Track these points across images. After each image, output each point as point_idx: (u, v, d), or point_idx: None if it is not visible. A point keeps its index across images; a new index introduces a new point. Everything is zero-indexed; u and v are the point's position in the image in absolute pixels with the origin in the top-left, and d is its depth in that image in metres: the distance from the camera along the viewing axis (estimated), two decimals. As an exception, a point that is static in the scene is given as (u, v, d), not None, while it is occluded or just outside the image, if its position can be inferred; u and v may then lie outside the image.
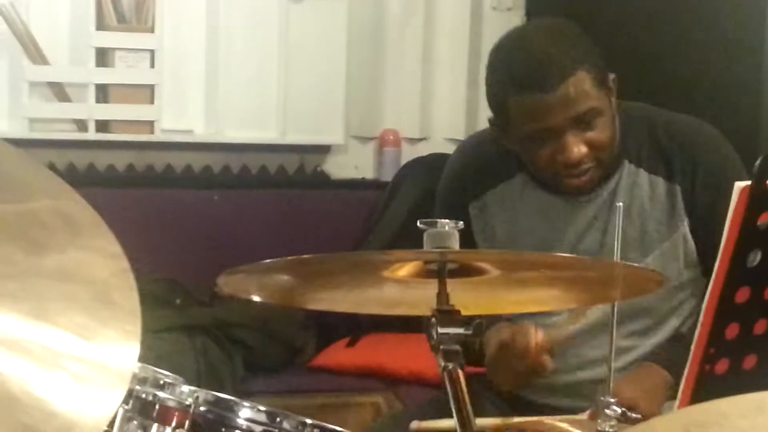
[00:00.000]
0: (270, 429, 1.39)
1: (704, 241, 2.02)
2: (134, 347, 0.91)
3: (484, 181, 2.16)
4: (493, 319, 2.11)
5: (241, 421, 1.40)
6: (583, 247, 2.08)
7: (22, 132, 3.74)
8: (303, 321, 3.52)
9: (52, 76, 3.78)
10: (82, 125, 3.81)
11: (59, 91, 3.79)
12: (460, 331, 1.32)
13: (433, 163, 3.72)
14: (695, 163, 2.04)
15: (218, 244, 3.67)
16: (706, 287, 2.00)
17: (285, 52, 3.93)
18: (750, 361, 1.37)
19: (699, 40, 3.22)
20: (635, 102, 2.14)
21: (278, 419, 1.40)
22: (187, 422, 1.40)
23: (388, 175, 4.01)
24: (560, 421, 1.83)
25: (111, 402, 0.88)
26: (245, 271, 1.37)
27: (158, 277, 3.43)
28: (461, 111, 4.12)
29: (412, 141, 4.14)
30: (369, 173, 4.14)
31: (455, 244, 1.36)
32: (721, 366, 1.35)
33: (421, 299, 1.37)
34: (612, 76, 2.02)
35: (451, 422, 1.29)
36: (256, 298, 1.48)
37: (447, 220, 1.37)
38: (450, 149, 2.66)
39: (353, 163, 4.13)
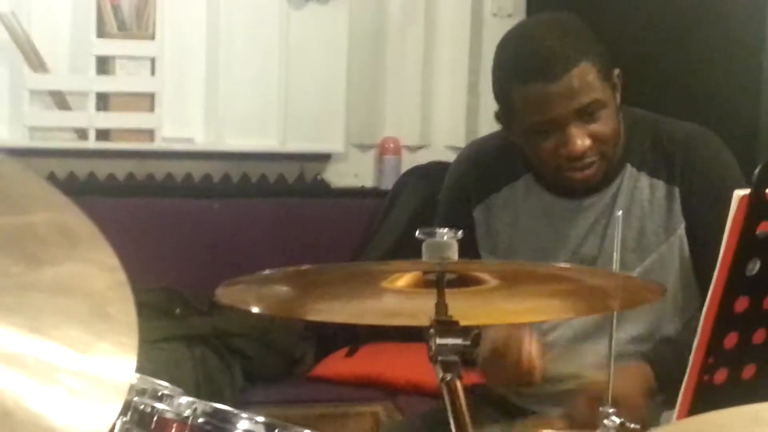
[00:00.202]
0: (268, 440, 1.39)
1: (697, 246, 2.02)
2: (131, 361, 0.91)
3: (487, 185, 2.16)
4: None
5: (239, 433, 1.40)
6: (583, 252, 2.08)
7: (22, 140, 3.75)
8: (302, 331, 3.52)
9: (53, 84, 3.79)
10: (82, 134, 3.82)
11: (60, 100, 3.80)
12: (459, 341, 1.32)
13: (434, 170, 3.73)
14: (694, 166, 2.05)
15: (218, 253, 3.67)
16: (701, 292, 2.02)
17: (285, 61, 3.94)
18: (749, 371, 1.36)
19: (699, 43, 3.22)
20: (637, 108, 2.15)
21: (276, 430, 1.39)
22: (185, 434, 1.40)
23: (388, 183, 4.01)
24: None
25: (107, 416, 0.88)
26: (243, 282, 1.36)
27: (157, 287, 3.43)
28: (461, 119, 4.12)
29: (412, 149, 4.14)
30: (369, 181, 4.14)
31: (454, 255, 1.35)
32: (720, 375, 1.34)
33: (419, 309, 1.37)
34: (617, 71, 2.03)
35: None
36: (254, 309, 1.47)
37: (446, 230, 1.36)
38: (450, 157, 2.66)
39: (353, 172, 4.13)
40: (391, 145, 4.09)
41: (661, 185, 2.06)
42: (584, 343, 2.08)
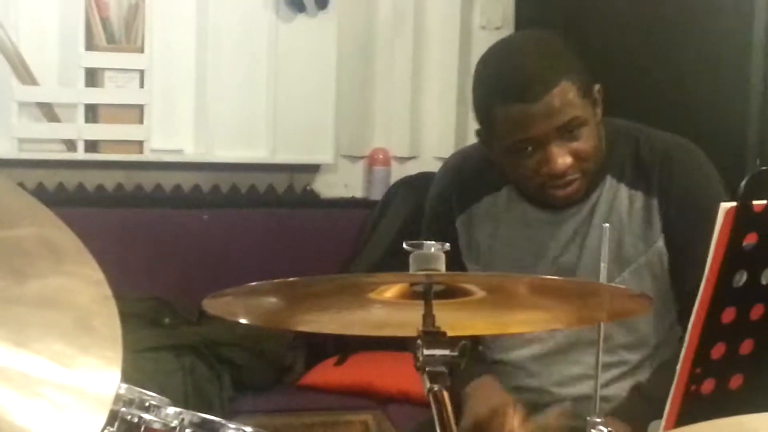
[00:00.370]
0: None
1: (674, 256, 2.02)
2: (115, 374, 0.91)
3: (469, 195, 2.16)
4: (478, 359, 2.10)
5: (226, 443, 1.40)
6: (561, 262, 2.08)
7: (11, 152, 3.74)
8: (291, 340, 3.51)
9: (42, 96, 3.78)
10: (71, 145, 3.81)
11: (48, 111, 3.79)
12: (446, 352, 1.32)
13: (423, 181, 3.72)
14: (672, 178, 2.04)
15: (207, 264, 3.67)
16: (677, 302, 2.02)
17: (274, 72, 3.94)
18: (736, 381, 1.36)
19: (687, 53, 3.23)
20: (620, 119, 2.15)
21: (264, 441, 1.39)
22: (172, 445, 1.39)
23: (377, 194, 4.01)
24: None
25: (91, 430, 0.87)
26: (231, 294, 1.36)
27: (147, 296, 3.43)
28: (451, 130, 4.13)
29: (402, 160, 4.14)
30: (358, 192, 4.14)
31: (441, 266, 1.36)
32: (707, 386, 1.34)
33: (407, 320, 1.37)
34: (597, 86, 2.03)
35: None
36: (243, 321, 1.47)
37: (433, 242, 1.37)
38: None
39: (343, 182, 4.13)
40: (381, 156, 4.10)
41: (639, 196, 2.05)
42: (566, 354, 2.08)
